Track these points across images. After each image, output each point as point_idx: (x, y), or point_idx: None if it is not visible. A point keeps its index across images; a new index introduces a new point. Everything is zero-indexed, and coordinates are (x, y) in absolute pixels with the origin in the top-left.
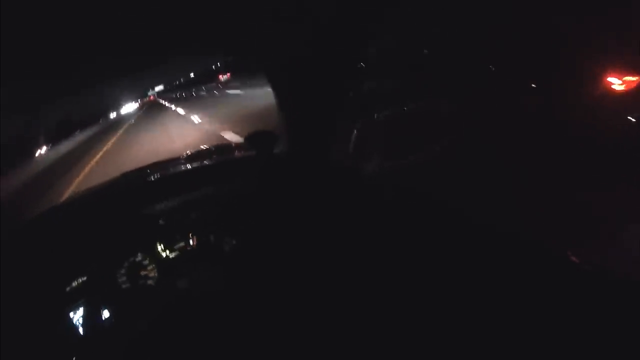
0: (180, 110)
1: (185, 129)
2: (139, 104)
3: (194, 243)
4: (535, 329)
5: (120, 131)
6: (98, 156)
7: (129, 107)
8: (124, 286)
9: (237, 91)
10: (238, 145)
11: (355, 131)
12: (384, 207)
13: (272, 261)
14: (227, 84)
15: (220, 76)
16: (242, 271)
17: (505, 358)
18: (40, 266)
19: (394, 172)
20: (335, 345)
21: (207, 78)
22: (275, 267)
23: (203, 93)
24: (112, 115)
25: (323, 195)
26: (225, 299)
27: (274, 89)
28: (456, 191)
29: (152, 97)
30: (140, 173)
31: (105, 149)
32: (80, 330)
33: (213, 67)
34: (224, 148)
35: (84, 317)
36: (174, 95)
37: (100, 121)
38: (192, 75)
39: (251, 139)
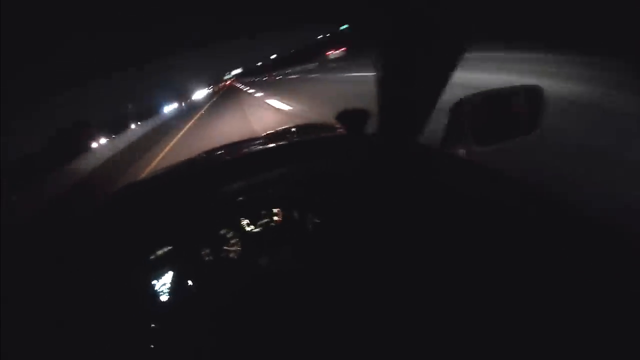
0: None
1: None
2: (212, 91)
3: (279, 220)
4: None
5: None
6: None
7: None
8: (206, 259)
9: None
10: (325, 125)
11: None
12: (471, 193)
13: (355, 243)
14: (332, 63)
15: (334, 50)
16: (325, 251)
17: None
18: (128, 234)
19: (483, 157)
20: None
21: (302, 57)
22: (357, 248)
23: (294, 76)
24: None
25: (411, 177)
26: (305, 278)
27: (382, 62)
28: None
29: (228, 82)
30: (222, 150)
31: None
32: (162, 298)
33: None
34: (308, 127)
35: (166, 286)
36: (255, 80)
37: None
38: (273, 56)
39: (343, 116)
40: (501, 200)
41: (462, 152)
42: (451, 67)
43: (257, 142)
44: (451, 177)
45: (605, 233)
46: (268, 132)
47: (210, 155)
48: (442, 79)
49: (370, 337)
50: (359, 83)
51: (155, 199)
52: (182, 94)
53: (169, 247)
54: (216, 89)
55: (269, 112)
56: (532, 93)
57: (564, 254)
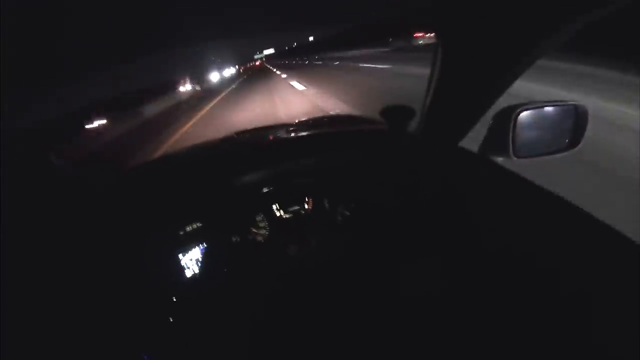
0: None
1: None
2: (240, 70)
3: (309, 209)
4: None
5: None
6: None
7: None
8: (234, 239)
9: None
10: (366, 118)
11: (490, 121)
12: (505, 200)
13: (383, 239)
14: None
15: (424, 34)
16: (352, 244)
17: None
18: (159, 206)
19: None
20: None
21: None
22: (384, 245)
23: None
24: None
25: (447, 180)
26: (331, 269)
27: (441, 61)
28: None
29: (258, 63)
30: (256, 133)
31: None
32: (187, 273)
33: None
34: (349, 118)
35: (192, 262)
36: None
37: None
38: (311, 38)
39: (387, 112)
40: (532, 210)
41: (500, 160)
42: (513, 76)
43: (292, 127)
44: (488, 183)
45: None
46: (305, 119)
47: (242, 137)
48: (500, 88)
49: (390, 330)
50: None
51: (188, 175)
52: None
53: (197, 224)
54: (242, 69)
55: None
56: (577, 111)
57: (587, 265)
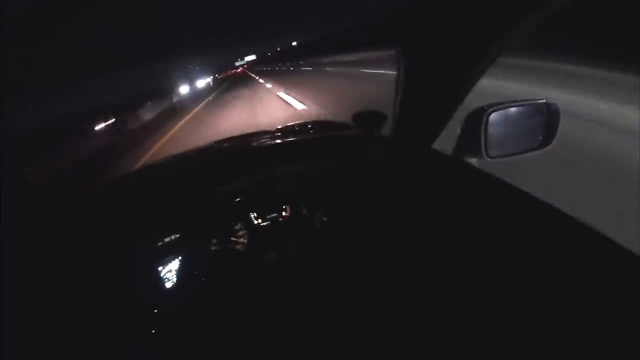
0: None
1: None
2: (215, 80)
3: (287, 216)
4: None
5: None
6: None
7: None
8: (213, 249)
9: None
10: (340, 124)
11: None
12: (480, 202)
13: (360, 243)
14: None
15: None
16: (330, 250)
17: None
18: (137, 218)
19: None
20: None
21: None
22: (362, 249)
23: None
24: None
25: (422, 183)
26: (310, 276)
27: (406, 63)
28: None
29: (240, 70)
30: (234, 141)
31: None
32: (166, 285)
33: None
34: (323, 124)
35: (171, 273)
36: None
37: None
38: (293, 43)
39: (360, 117)
40: (508, 210)
41: (473, 161)
42: (478, 74)
43: (270, 135)
44: (462, 185)
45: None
46: (282, 126)
47: (221, 146)
48: (467, 87)
49: (370, 336)
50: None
51: (166, 185)
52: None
53: (177, 235)
54: (221, 78)
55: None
56: (549, 109)
57: (567, 264)
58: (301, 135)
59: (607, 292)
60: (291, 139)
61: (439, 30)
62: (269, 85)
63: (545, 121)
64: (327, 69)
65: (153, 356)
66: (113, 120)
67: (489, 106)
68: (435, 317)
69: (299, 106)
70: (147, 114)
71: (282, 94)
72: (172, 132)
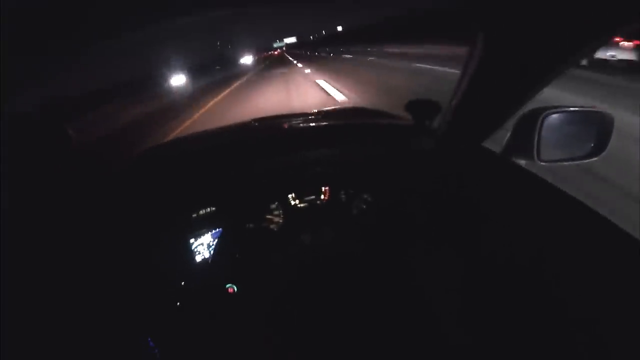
0: None
1: None
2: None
3: (325, 199)
4: None
5: None
6: None
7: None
8: (248, 226)
9: None
10: (389, 114)
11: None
12: (527, 202)
13: (398, 233)
14: None
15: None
16: (367, 237)
17: None
18: (175, 188)
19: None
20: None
21: None
22: (400, 239)
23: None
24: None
25: (469, 179)
26: (344, 261)
27: (476, 60)
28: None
29: (278, 52)
30: (276, 120)
31: None
32: (197, 258)
33: None
34: (372, 111)
35: (204, 246)
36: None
37: None
38: (339, 28)
39: (413, 106)
40: (555, 215)
41: (523, 163)
42: (546, 82)
43: (314, 117)
44: (510, 185)
45: None
46: (327, 109)
47: (262, 124)
48: (533, 92)
49: (400, 323)
50: None
51: (206, 159)
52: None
53: (212, 209)
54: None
55: None
56: (602, 118)
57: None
58: (346, 120)
59: None
60: (335, 122)
61: (517, 32)
62: (307, 71)
63: (597, 130)
64: (370, 58)
65: (175, 329)
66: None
67: (544, 109)
68: (468, 311)
69: (339, 97)
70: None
71: (321, 82)
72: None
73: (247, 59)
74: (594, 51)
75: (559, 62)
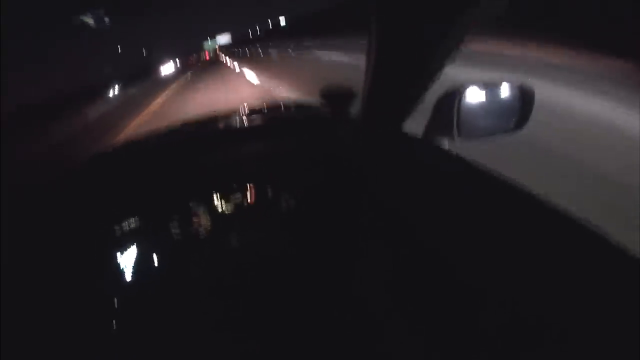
0: None
1: None
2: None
3: (252, 198)
4: None
5: None
6: None
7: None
8: (174, 232)
9: None
10: (309, 105)
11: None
12: (448, 184)
13: (327, 228)
14: None
15: None
16: (296, 234)
17: None
18: (94, 204)
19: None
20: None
21: None
22: (329, 234)
23: None
24: None
25: (391, 164)
26: (274, 260)
27: (377, 42)
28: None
29: (207, 55)
30: (200, 122)
31: None
32: (125, 272)
33: None
34: (292, 106)
35: (130, 259)
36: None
37: None
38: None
39: (327, 93)
40: (479, 193)
41: (444, 143)
42: (446, 53)
43: (237, 115)
44: (433, 167)
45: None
46: (248, 106)
47: (187, 127)
48: (438, 66)
49: (335, 325)
50: None
51: (128, 167)
52: None
53: (135, 219)
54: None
55: None
56: (523, 91)
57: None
58: (268, 116)
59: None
60: (257, 119)
61: (412, 4)
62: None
63: (519, 103)
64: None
65: (116, 351)
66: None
67: (463, 86)
68: (405, 305)
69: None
70: None
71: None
72: None
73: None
74: (487, 16)
75: (448, 34)
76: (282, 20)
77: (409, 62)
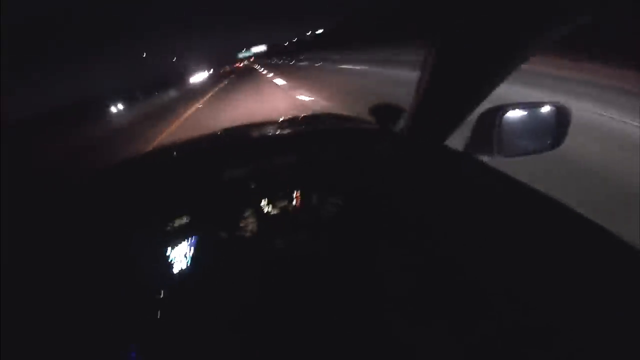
0: None
1: None
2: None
3: (297, 204)
4: None
5: None
6: None
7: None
8: (221, 235)
9: None
10: (356, 118)
11: (476, 120)
12: (491, 198)
13: (372, 235)
14: None
15: None
16: (341, 240)
17: None
18: (148, 201)
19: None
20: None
21: None
22: (374, 241)
23: None
24: None
25: (433, 177)
26: (319, 265)
27: (430, 62)
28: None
29: (240, 64)
30: (245, 129)
31: None
32: (172, 269)
33: None
34: (339, 117)
35: (178, 257)
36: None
37: None
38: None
39: (376, 110)
40: (518, 208)
41: (485, 159)
42: (499, 79)
43: (284, 124)
44: (474, 180)
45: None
46: (296, 116)
47: (232, 132)
48: (487, 90)
49: (379, 328)
50: None
51: (178, 169)
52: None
53: (186, 218)
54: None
55: None
56: (559, 111)
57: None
58: (315, 126)
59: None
60: (302, 128)
61: (468, 30)
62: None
63: (556, 123)
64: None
65: (157, 338)
66: None
67: (502, 106)
68: (436, 313)
69: None
70: None
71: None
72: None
73: (199, 77)
74: (540, 47)
75: (507, 61)
76: (317, 33)
77: (462, 86)
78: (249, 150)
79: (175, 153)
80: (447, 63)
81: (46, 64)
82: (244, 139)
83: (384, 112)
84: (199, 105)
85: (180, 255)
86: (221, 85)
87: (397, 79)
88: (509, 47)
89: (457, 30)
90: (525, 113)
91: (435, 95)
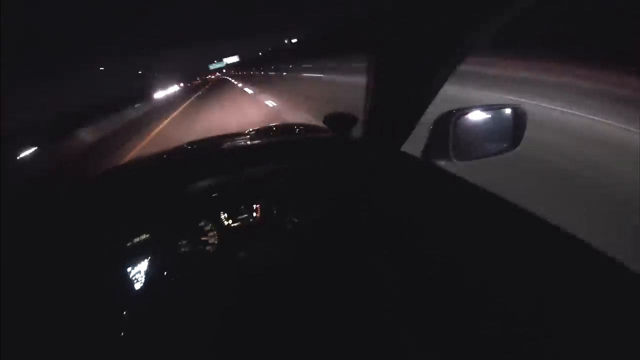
0: None
1: None
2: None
3: (258, 216)
4: None
5: None
6: None
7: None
8: (183, 250)
9: None
10: (312, 126)
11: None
12: (447, 202)
13: (332, 243)
14: None
15: None
16: (302, 250)
17: None
18: (105, 219)
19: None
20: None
21: None
22: (334, 249)
23: None
24: None
25: (391, 184)
26: (281, 275)
27: (375, 67)
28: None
29: (213, 76)
30: (206, 143)
31: None
32: (136, 286)
33: None
34: (295, 127)
35: (141, 274)
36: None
37: None
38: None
39: (331, 119)
40: (477, 211)
41: (442, 164)
42: (442, 77)
43: (243, 137)
44: (431, 186)
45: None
46: (254, 128)
47: (193, 147)
48: (434, 89)
49: (342, 335)
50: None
51: (136, 186)
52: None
53: (146, 236)
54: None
55: None
56: (515, 113)
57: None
58: (272, 137)
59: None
60: (262, 140)
61: (408, 33)
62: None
63: (512, 124)
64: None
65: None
66: None
67: (457, 110)
68: (407, 317)
69: None
70: None
71: None
72: None
73: (164, 92)
74: (477, 44)
75: (444, 61)
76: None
77: (405, 89)
78: (213, 163)
79: (138, 167)
80: (388, 68)
81: None
82: (207, 152)
83: (338, 120)
84: (175, 114)
85: (142, 273)
86: (196, 95)
87: (348, 83)
88: (442, 47)
89: (392, 35)
90: (482, 116)
91: (383, 102)
